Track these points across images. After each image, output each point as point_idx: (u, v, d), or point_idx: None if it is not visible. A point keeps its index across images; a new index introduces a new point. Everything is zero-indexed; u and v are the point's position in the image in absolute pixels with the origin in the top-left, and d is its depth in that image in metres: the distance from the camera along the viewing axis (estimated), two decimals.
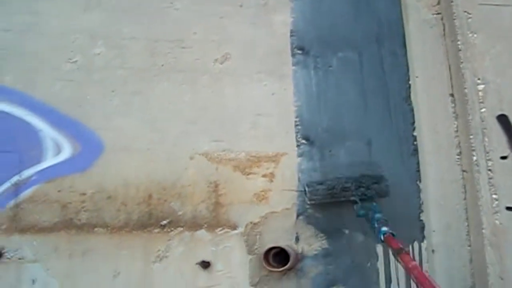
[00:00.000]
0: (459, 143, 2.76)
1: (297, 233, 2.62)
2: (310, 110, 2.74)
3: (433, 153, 2.78)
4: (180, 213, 2.60)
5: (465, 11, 2.71)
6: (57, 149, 2.63)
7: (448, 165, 2.75)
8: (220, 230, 2.60)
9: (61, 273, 2.52)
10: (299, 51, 2.79)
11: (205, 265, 2.54)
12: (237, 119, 2.70)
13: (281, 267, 2.47)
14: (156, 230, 2.58)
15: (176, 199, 2.61)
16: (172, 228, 2.58)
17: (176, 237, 2.58)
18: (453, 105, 2.80)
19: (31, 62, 2.69)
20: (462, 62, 2.67)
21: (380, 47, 2.83)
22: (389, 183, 2.56)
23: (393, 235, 2.24)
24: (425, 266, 2.62)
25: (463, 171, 2.71)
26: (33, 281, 2.50)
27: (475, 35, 2.66)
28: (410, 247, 2.63)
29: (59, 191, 2.59)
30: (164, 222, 2.58)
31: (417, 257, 2.63)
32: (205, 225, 2.59)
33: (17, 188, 2.58)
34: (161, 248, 2.56)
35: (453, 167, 2.75)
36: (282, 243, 2.56)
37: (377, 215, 2.40)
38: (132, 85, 2.71)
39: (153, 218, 2.59)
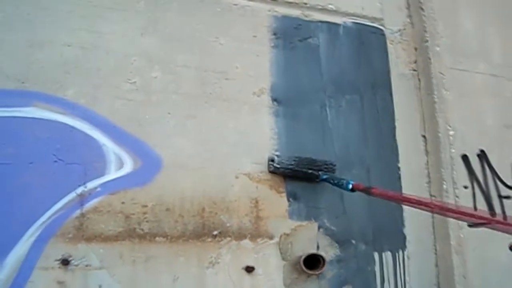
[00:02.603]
0: (428, 174, 3.85)
1: (317, 243, 3.41)
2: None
3: (408, 181, 3.82)
4: (228, 224, 3.18)
5: (440, 72, 3.81)
6: (120, 163, 3.03)
7: (419, 191, 3.79)
8: (261, 240, 3.25)
9: (126, 278, 2.92)
10: None
11: (250, 269, 3.18)
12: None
13: (315, 271, 3.24)
14: (208, 240, 3.13)
15: (225, 213, 3.20)
16: (222, 238, 3.16)
17: (226, 246, 3.16)
18: (424, 144, 3.89)
19: (92, 78, 3.05)
20: (436, 112, 3.76)
21: (375, 93, 3.78)
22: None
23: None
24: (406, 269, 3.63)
25: (431, 195, 3.79)
26: (99, 287, 2.87)
27: (448, 92, 3.78)
28: (396, 254, 3.62)
29: (122, 202, 2.99)
30: (215, 232, 3.16)
31: (401, 263, 3.61)
32: (249, 236, 3.22)
33: (83, 199, 2.91)
34: (213, 256, 3.12)
35: (423, 192, 3.80)
36: (308, 251, 3.33)
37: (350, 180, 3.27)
38: (186, 109, 3.22)
39: (206, 229, 3.13)
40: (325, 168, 3.38)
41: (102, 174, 2.98)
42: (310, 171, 3.33)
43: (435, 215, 3.69)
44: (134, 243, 2.97)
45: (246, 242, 3.22)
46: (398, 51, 4.00)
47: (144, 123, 3.12)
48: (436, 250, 3.71)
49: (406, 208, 3.67)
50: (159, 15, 3.29)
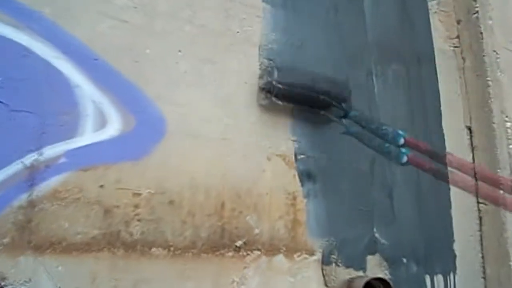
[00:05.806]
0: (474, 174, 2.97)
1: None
2: None
3: None
4: (256, 231, 2.02)
5: (494, 51, 2.95)
6: (101, 119, 1.75)
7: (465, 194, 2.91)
8: (298, 256, 2.12)
9: None
10: None
11: None
12: None
13: None
14: (229, 254, 1.94)
15: (252, 212, 2.03)
16: (248, 252, 1.99)
17: (253, 264, 1.99)
18: (468, 137, 3.01)
19: None
20: (490, 98, 2.90)
21: (420, 67, 2.85)
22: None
23: None
24: None
25: (479, 203, 2.90)
26: None
27: (502, 75, 2.94)
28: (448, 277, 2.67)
29: (101, 186, 1.71)
30: (239, 243, 1.97)
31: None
32: (283, 249, 2.09)
33: (34, 174, 1.59)
34: (236, 279, 1.94)
35: (470, 198, 2.91)
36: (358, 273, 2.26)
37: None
38: (203, 49, 2.04)
39: (226, 237, 1.94)
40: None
41: (71, 134, 1.69)
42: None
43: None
44: (116, 257, 1.71)
45: (279, 259, 2.08)
46: (435, 23, 3.10)
47: (143, 60, 1.89)
48: (485, 273, 2.82)
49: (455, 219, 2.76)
50: None
